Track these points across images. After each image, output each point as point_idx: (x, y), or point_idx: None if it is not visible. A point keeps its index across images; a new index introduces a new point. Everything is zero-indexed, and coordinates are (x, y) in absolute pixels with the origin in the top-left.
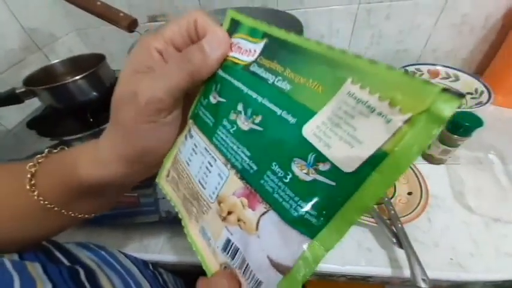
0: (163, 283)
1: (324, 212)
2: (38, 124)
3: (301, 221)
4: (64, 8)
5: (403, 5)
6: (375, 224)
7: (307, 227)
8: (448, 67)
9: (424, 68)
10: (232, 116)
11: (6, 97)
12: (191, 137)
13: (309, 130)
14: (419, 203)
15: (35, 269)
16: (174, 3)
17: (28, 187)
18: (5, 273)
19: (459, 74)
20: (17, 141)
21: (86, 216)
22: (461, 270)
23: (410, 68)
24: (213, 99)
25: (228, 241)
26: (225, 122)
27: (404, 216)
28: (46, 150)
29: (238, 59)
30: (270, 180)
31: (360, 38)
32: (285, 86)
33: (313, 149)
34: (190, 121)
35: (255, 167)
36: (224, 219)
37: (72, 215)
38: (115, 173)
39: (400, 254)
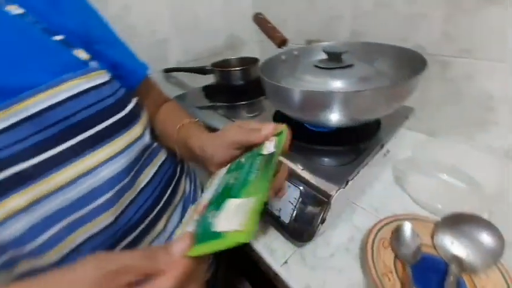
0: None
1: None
2: (207, 90)
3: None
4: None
5: None
6: None
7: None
8: None
9: None
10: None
11: (199, 69)
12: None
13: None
14: None
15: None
16: (329, 33)
17: (175, 135)
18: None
19: None
20: (194, 96)
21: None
22: None
23: None
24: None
25: None
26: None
27: None
28: (189, 120)
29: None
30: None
31: None
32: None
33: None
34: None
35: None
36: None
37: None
38: (192, 154)
39: None
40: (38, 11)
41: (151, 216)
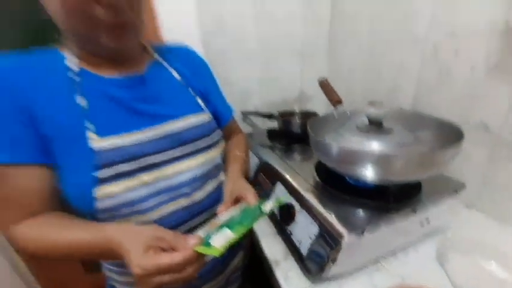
0: None
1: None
2: (270, 133)
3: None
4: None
5: None
6: None
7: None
8: None
9: None
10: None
11: (267, 115)
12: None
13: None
14: None
15: None
16: (393, 100)
17: (226, 159)
18: None
19: None
20: (259, 136)
21: None
22: None
23: None
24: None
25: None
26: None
27: None
28: (238, 153)
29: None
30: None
31: None
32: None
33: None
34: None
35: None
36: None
37: None
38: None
39: None
40: (186, 77)
41: (213, 211)
